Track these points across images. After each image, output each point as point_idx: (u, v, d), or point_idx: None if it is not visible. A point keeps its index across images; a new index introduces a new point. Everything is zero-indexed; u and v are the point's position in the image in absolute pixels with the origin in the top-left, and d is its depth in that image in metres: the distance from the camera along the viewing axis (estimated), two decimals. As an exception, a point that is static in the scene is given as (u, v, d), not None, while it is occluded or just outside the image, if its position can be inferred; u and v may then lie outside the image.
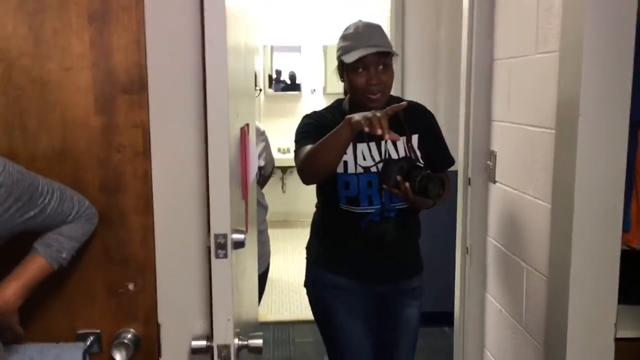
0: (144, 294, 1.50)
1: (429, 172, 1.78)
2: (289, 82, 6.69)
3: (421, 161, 1.91)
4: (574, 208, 1.59)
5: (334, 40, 2.00)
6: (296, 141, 1.93)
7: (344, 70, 1.89)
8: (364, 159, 1.87)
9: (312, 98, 6.65)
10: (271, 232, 2.81)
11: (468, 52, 2.32)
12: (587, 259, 1.61)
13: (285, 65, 6.74)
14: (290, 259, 5.39)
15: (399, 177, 1.78)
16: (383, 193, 1.87)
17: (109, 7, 1.40)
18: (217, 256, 1.39)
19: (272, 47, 6.61)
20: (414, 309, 2.04)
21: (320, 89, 6.71)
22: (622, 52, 1.51)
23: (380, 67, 1.82)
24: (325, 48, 6.52)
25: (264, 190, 2.71)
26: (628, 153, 1.61)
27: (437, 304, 2.90)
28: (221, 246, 1.39)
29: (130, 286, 1.49)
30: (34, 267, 1.30)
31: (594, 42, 1.50)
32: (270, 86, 6.62)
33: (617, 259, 1.62)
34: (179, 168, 1.48)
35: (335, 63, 1.96)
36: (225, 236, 1.39)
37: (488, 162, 2.26)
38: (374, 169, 1.86)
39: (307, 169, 1.85)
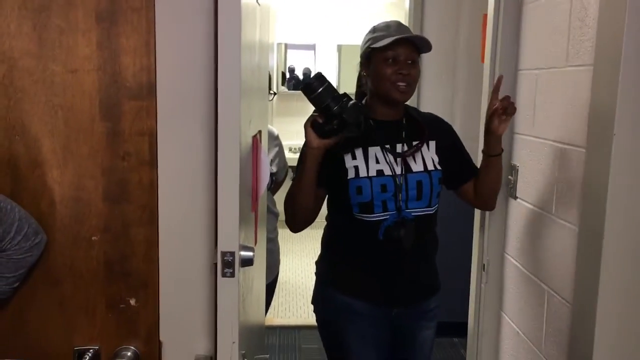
0: (145, 310, 1.42)
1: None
2: (300, 79, 6.62)
3: (438, 166, 1.84)
4: (604, 232, 1.49)
5: (348, 39, 1.94)
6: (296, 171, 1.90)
7: (371, 63, 1.81)
8: (377, 162, 1.79)
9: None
10: (280, 233, 2.74)
11: (492, 60, 2.22)
12: (616, 287, 1.51)
13: (299, 64, 6.67)
14: (298, 261, 5.31)
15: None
16: (399, 197, 1.78)
17: (118, 7, 1.32)
18: (223, 275, 1.32)
19: (285, 45, 6.55)
20: (430, 331, 1.96)
21: (334, 89, 6.63)
22: (663, 69, 1.41)
23: (411, 62, 1.77)
24: (339, 47, 6.43)
25: (276, 196, 2.63)
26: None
27: (448, 314, 2.80)
28: (228, 264, 1.31)
29: (132, 301, 1.42)
30: None
31: (633, 57, 1.40)
32: (283, 84, 6.55)
33: (648, 288, 1.52)
34: (186, 179, 1.40)
35: (350, 62, 1.90)
36: (233, 254, 1.31)
37: (509, 177, 2.17)
38: (388, 172, 1.78)
39: (287, 214, 1.88)
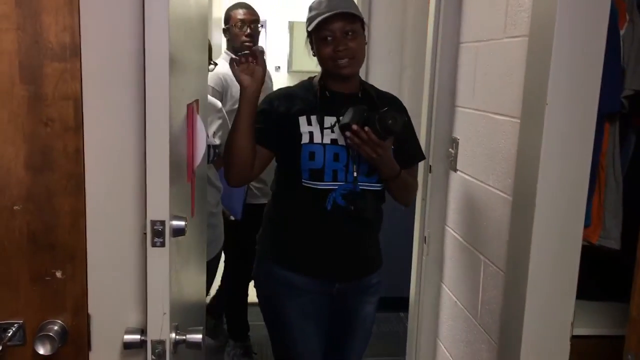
0: (73, 282, 1.37)
1: (385, 109, 1.69)
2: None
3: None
4: (536, 201, 1.52)
5: (300, 16, 1.90)
6: None
7: (313, 44, 1.80)
8: (332, 131, 1.78)
9: (277, 75, 6.50)
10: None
11: (434, 34, 2.23)
12: (546, 255, 1.55)
13: (250, 40, 6.54)
14: (247, 240, 5.27)
15: (354, 126, 1.66)
16: (353, 168, 1.76)
17: (38, -38, 1.24)
18: (153, 244, 1.28)
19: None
20: (371, 306, 1.96)
21: (284, 66, 6.56)
22: (594, 39, 1.44)
23: (349, 34, 1.75)
24: (291, 24, 6.35)
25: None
26: (593, 146, 1.55)
27: (394, 289, 2.84)
28: (158, 234, 1.27)
29: (58, 274, 1.36)
30: None
31: (566, 27, 1.42)
32: (233, 61, 6.44)
33: (577, 256, 1.56)
34: (114, 146, 1.34)
35: (302, 39, 1.88)
36: (163, 223, 1.27)
37: (450, 150, 2.19)
38: (341, 142, 1.77)
39: (225, 164, 1.82)
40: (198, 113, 1.71)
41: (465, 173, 2.09)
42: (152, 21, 1.17)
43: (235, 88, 2.79)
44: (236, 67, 1.69)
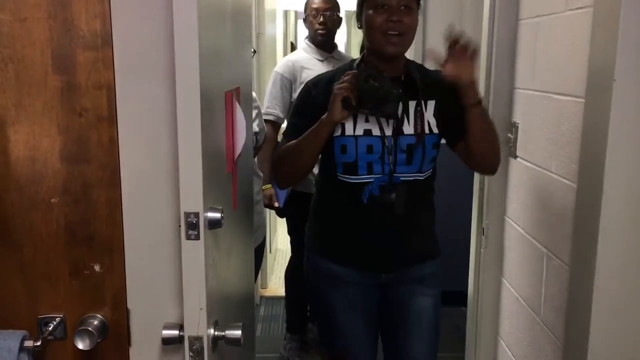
0: (111, 276, 1.34)
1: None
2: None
3: (434, 130, 1.71)
4: (604, 188, 1.38)
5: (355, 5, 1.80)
6: (287, 125, 1.87)
7: (363, 12, 1.70)
8: (367, 120, 1.68)
9: (332, 65, 6.43)
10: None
11: (490, 12, 2.09)
12: (615, 247, 1.40)
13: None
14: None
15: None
16: (390, 159, 1.66)
17: (66, -51, 1.21)
18: (188, 237, 1.23)
19: (296, 13, 6.44)
20: (428, 298, 1.81)
21: (341, 56, 6.49)
22: (669, 5, 1.28)
23: (402, 7, 1.64)
24: (348, 13, 6.26)
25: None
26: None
27: (455, 282, 2.71)
28: (192, 226, 1.23)
29: (97, 267, 1.34)
30: None
31: (635, -6, 1.27)
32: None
33: (651, 248, 1.41)
34: (149, 136, 1.30)
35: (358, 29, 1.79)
36: (197, 215, 1.22)
37: (509, 135, 2.05)
38: (376, 132, 1.67)
39: (279, 172, 1.81)
40: (239, 101, 1.66)
41: (525, 159, 1.95)
42: (181, 9, 1.12)
43: (305, 74, 2.80)
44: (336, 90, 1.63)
